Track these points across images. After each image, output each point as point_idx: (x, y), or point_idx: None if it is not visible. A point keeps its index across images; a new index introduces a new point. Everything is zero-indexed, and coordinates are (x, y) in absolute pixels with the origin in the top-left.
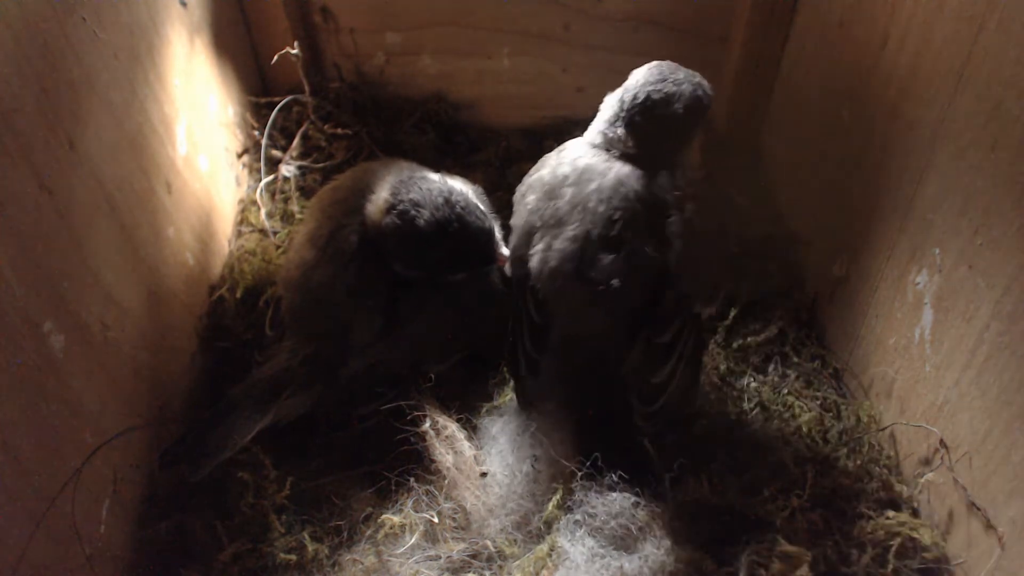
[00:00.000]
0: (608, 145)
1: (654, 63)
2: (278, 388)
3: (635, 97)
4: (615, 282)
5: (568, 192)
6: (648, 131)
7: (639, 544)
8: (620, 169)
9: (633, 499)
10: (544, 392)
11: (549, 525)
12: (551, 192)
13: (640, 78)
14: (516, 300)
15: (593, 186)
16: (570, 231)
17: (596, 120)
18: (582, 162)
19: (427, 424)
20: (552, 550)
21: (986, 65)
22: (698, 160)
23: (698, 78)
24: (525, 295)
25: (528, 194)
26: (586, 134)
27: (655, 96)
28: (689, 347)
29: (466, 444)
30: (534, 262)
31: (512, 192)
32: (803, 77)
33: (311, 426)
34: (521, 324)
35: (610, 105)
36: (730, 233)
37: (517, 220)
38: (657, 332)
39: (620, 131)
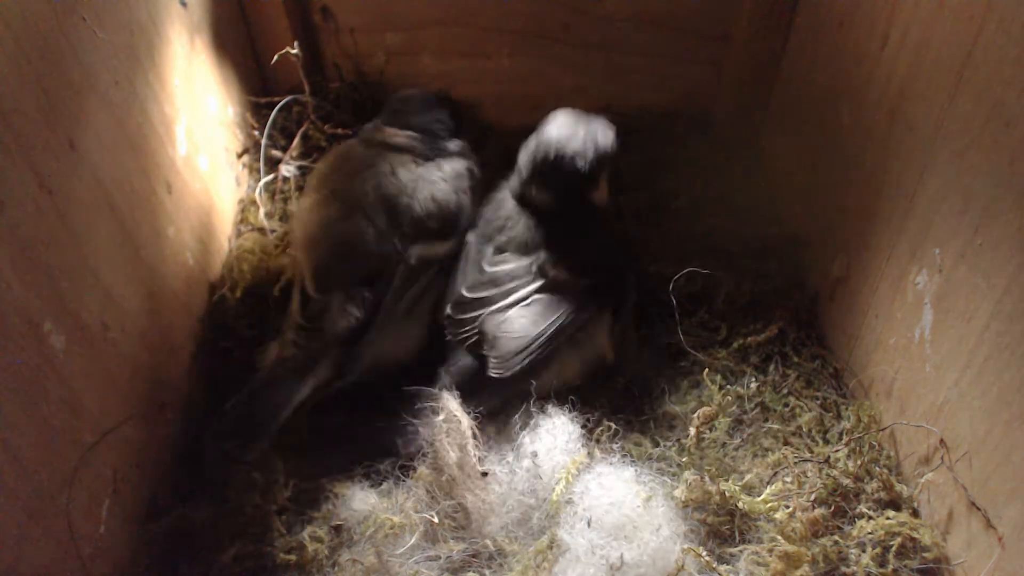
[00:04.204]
0: (517, 193)
1: (560, 115)
2: (312, 360)
3: (545, 157)
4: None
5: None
6: (556, 184)
7: (639, 533)
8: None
9: (634, 488)
10: None
11: (551, 518)
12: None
13: (546, 136)
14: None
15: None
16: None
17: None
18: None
19: (442, 416)
20: (552, 543)
21: (986, 65)
22: (606, 197)
23: (599, 131)
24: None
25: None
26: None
27: (559, 155)
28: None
29: (472, 442)
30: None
31: None
32: (803, 77)
33: (310, 424)
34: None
35: (522, 160)
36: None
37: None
38: None
39: (526, 183)
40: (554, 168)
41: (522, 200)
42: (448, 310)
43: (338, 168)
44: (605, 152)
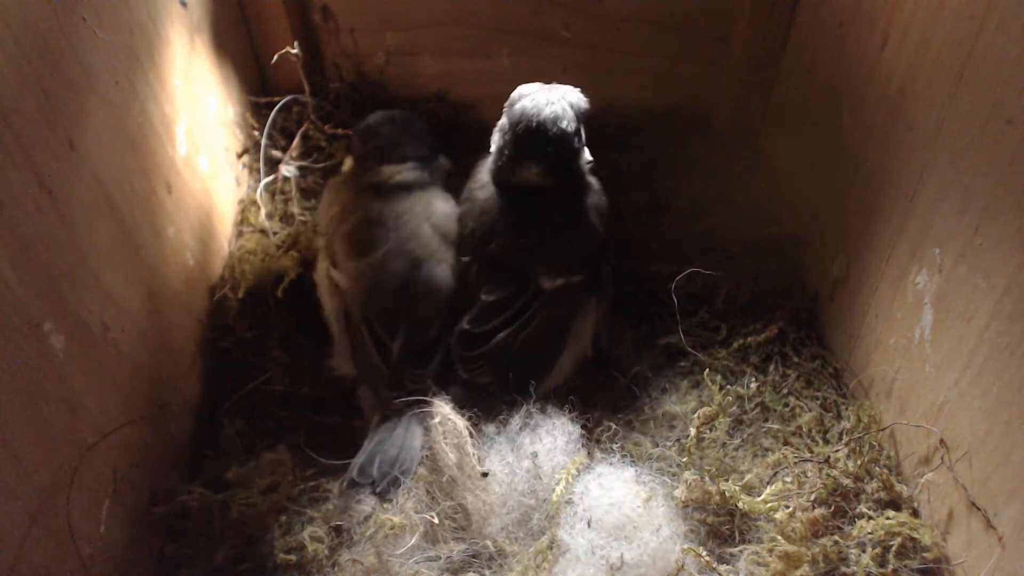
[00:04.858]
0: (500, 176)
1: (525, 89)
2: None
3: (527, 129)
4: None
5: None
6: (545, 153)
7: (639, 533)
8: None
9: (634, 488)
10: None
11: (551, 519)
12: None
13: (521, 110)
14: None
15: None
16: None
17: (494, 158)
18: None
19: (436, 419)
20: (552, 543)
21: (986, 65)
22: (586, 159)
23: (568, 92)
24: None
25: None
26: (488, 165)
27: (541, 122)
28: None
29: (470, 443)
30: None
31: None
32: (803, 77)
33: (311, 424)
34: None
35: (501, 142)
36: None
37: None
38: None
39: (512, 160)
40: (539, 136)
41: (507, 184)
42: (454, 341)
43: (374, 225)
44: (581, 110)
